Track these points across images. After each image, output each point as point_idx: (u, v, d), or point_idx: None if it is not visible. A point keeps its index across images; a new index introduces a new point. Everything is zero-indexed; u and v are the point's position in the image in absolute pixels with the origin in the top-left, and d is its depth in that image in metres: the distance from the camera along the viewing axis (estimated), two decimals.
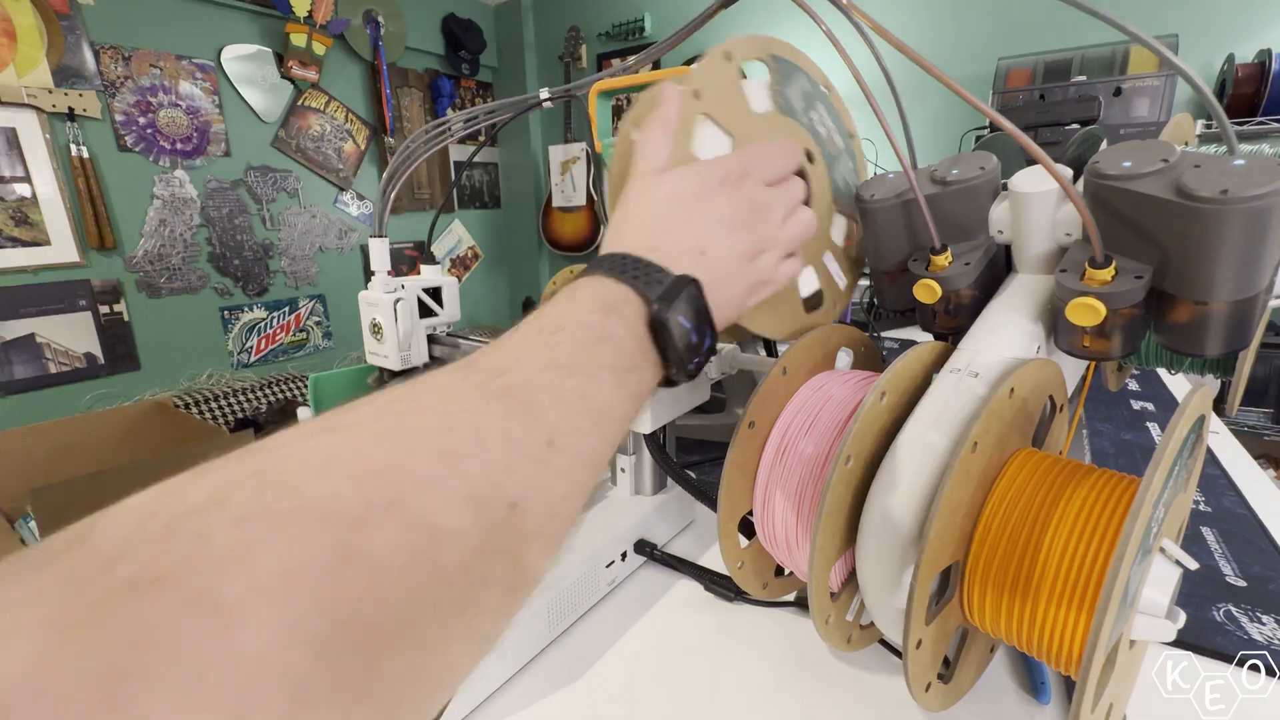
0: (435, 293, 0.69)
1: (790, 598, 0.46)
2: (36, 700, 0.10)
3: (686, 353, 0.27)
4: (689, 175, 0.31)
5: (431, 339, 0.69)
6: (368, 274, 0.69)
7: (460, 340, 0.68)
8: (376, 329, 0.65)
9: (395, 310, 0.63)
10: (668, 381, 0.28)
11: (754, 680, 0.40)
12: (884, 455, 0.31)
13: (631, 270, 0.27)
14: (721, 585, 0.47)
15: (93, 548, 0.13)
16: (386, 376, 0.68)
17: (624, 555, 0.49)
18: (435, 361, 0.70)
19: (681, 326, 0.26)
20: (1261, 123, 1.61)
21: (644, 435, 0.48)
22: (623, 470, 0.54)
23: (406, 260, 2.97)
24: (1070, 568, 0.27)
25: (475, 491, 0.18)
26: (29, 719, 0.10)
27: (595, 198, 2.90)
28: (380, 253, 0.62)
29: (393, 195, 0.60)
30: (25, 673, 0.10)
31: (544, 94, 0.56)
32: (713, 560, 0.51)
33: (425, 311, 0.68)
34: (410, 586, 0.15)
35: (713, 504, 0.41)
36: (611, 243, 0.29)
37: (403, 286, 0.64)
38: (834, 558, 0.32)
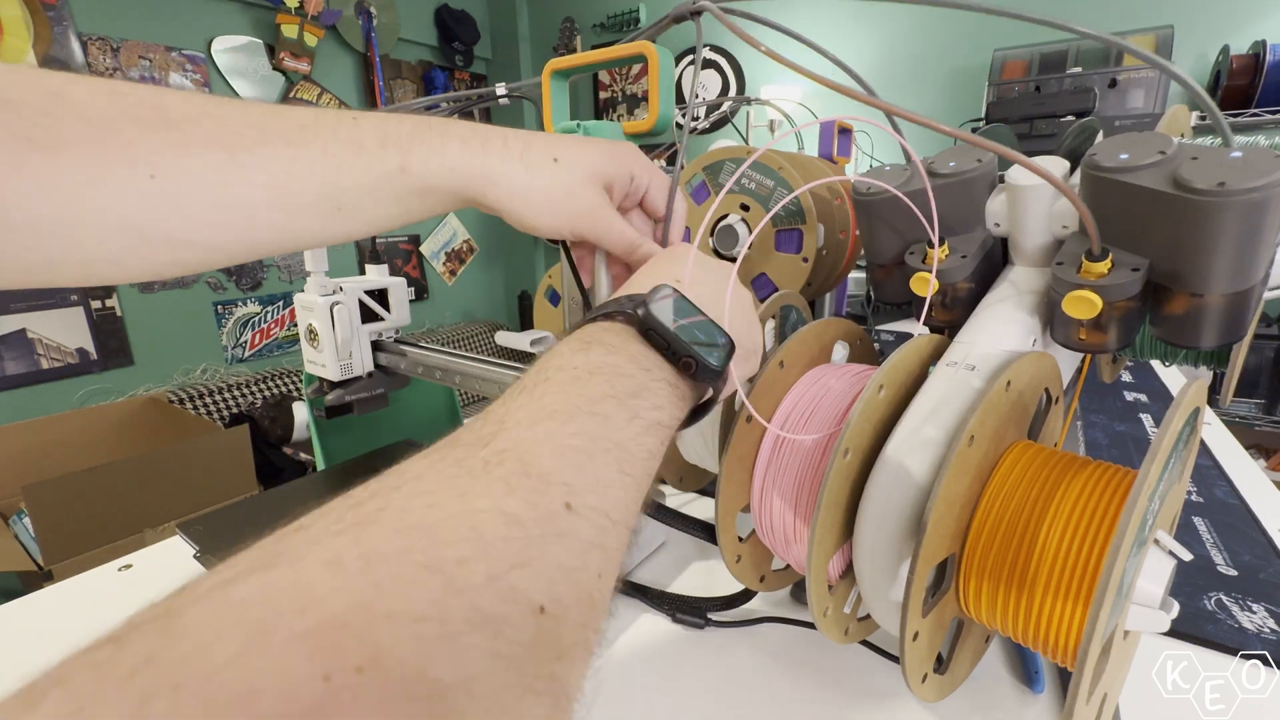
0: (381, 294, 0.63)
1: (765, 613, 0.44)
2: None
3: (698, 350, 0.23)
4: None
5: (377, 345, 0.64)
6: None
7: (408, 347, 0.62)
8: (312, 335, 0.60)
9: (332, 315, 0.59)
10: (700, 402, 0.25)
11: (737, 704, 0.38)
12: (881, 448, 0.32)
13: (604, 310, 0.25)
14: (690, 613, 0.44)
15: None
16: (326, 387, 0.63)
17: None
18: (380, 370, 0.65)
19: (676, 321, 0.23)
20: (1256, 114, 1.61)
21: None
22: None
23: (402, 255, 2.96)
24: (1066, 560, 0.28)
25: (482, 608, 0.13)
26: None
27: None
28: (316, 251, 0.57)
29: None
30: None
31: (501, 89, 0.54)
32: (685, 585, 0.48)
33: (370, 315, 0.63)
34: None
35: (696, 531, 0.40)
36: None
37: (340, 289, 0.60)
38: (832, 550, 0.33)
